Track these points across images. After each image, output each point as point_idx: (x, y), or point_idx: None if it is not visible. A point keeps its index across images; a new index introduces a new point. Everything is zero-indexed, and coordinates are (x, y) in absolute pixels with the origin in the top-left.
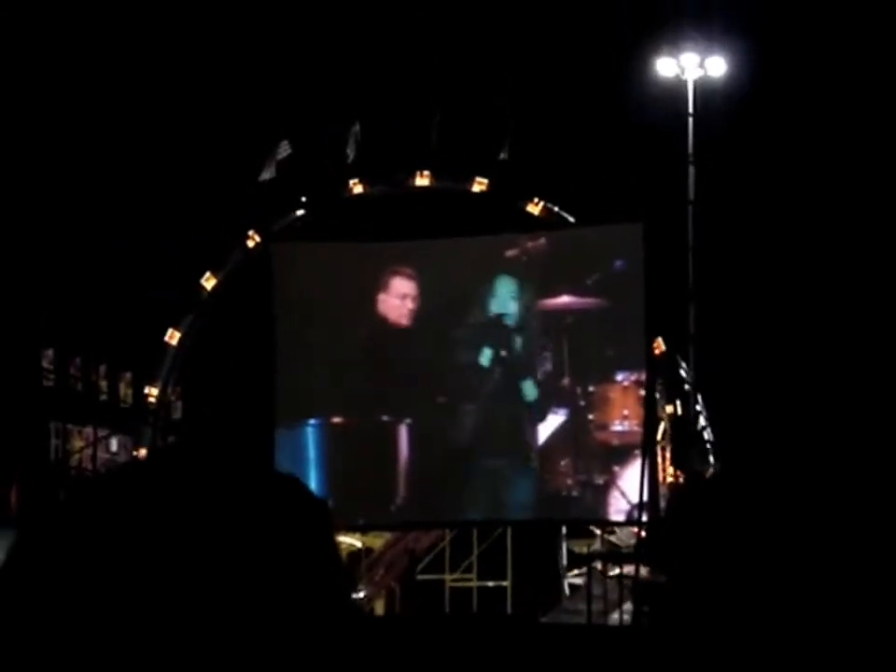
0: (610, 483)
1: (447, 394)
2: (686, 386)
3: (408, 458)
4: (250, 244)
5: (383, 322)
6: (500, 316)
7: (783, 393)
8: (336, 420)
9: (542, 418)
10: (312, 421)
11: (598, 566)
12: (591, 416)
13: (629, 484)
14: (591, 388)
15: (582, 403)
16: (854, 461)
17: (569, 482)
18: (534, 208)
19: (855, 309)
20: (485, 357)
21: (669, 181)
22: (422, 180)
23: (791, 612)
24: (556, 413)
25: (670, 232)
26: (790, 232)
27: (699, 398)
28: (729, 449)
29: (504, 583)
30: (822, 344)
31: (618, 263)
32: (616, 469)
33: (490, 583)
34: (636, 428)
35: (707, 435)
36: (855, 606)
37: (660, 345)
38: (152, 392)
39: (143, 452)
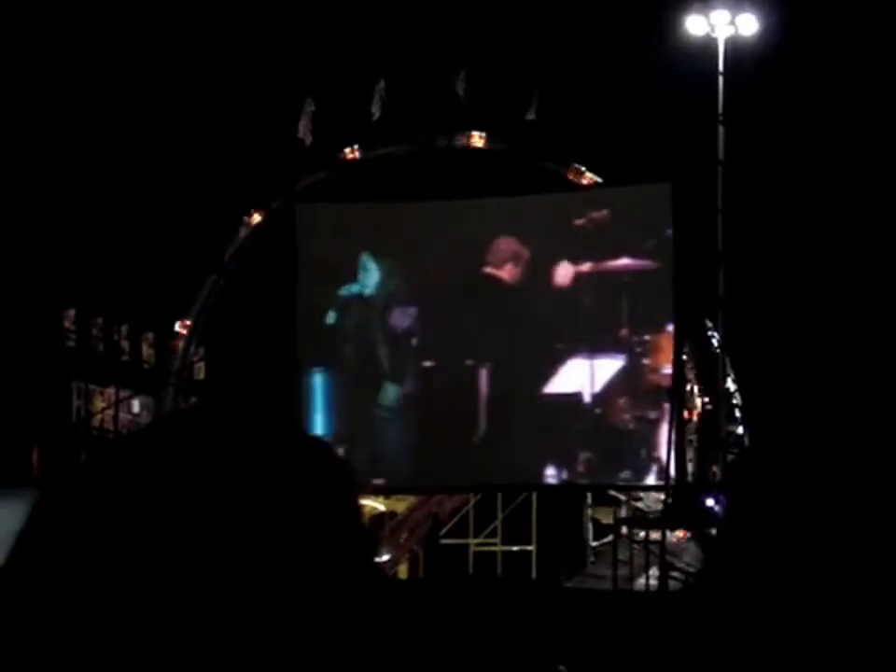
0: (661, 417)
1: (529, 338)
2: (715, 349)
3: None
4: (273, 204)
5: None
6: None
7: (812, 355)
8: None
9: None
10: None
11: (624, 530)
12: (645, 361)
13: None
14: (646, 337)
15: (638, 350)
16: (889, 424)
17: (626, 416)
18: (560, 168)
19: (887, 270)
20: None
21: (699, 141)
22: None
23: (837, 585)
24: (616, 358)
25: (699, 193)
26: (821, 192)
27: (728, 360)
28: (757, 411)
29: (529, 548)
30: (853, 306)
31: (669, 231)
32: (665, 405)
33: (514, 548)
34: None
35: (735, 398)
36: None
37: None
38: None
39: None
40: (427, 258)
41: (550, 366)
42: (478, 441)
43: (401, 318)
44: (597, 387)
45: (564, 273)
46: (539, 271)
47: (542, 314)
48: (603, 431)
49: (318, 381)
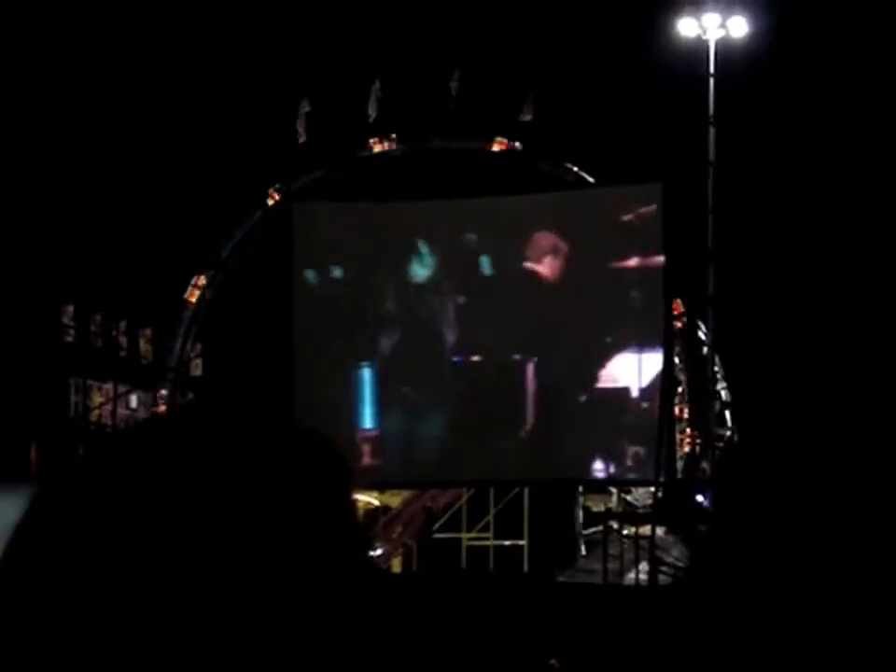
0: None
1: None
2: (704, 348)
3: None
4: (270, 202)
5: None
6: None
7: (802, 354)
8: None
9: None
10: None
11: (614, 525)
12: None
13: None
14: None
15: None
16: (877, 421)
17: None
18: (553, 168)
19: (876, 269)
20: None
21: (689, 142)
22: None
23: (828, 577)
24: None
25: (690, 193)
26: (811, 193)
27: (717, 359)
28: (746, 410)
29: (521, 542)
30: (842, 306)
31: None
32: None
33: (507, 542)
34: None
35: (724, 396)
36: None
37: (679, 307)
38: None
39: (162, 408)
40: (466, 253)
41: (598, 360)
42: (525, 436)
43: (440, 312)
44: (645, 382)
45: (610, 267)
46: (584, 265)
47: (589, 308)
48: (651, 425)
49: (366, 375)
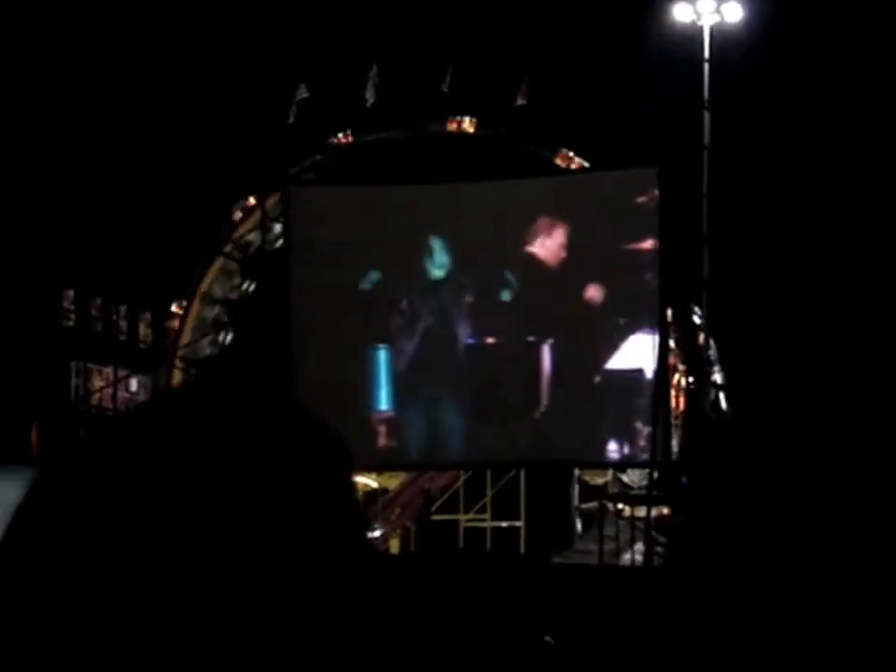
0: None
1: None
2: (699, 331)
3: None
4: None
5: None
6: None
7: (796, 337)
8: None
9: None
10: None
11: (610, 506)
12: None
13: None
14: None
15: None
16: (866, 402)
17: None
18: (549, 153)
19: (869, 252)
20: None
21: (684, 127)
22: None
23: (808, 551)
24: None
25: (685, 177)
26: (805, 177)
27: (712, 342)
28: (741, 392)
29: (517, 524)
30: (835, 290)
31: None
32: None
33: (504, 524)
34: None
35: (718, 378)
36: (868, 551)
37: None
38: (173, 325)
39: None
40: (473, 237)
41: (612, 342)
42: (539, 417)
43: (452, 295)
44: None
45: (622, 249)
46: (589, 247)
47: (601, 290)
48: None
49: (381, 357)
